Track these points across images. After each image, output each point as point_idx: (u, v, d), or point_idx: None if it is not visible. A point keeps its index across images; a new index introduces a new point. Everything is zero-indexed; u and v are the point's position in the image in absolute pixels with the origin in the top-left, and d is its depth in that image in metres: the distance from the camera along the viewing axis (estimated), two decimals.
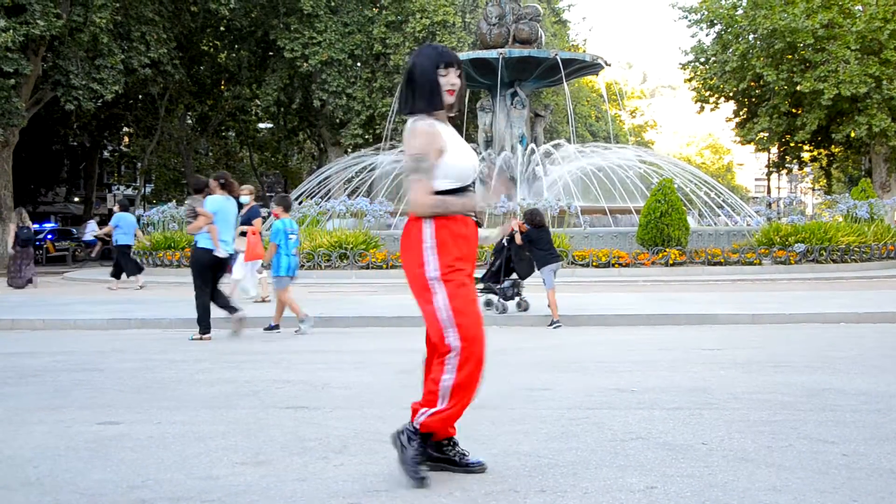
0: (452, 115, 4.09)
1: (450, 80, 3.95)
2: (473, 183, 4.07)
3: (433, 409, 3.94)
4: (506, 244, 11.70)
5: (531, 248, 11.39)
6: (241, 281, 13.74)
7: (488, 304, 11.69)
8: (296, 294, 12.31)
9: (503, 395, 6.09)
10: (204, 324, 9.99)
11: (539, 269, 11.31)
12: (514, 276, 11.77)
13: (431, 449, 4.07)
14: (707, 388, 6.31)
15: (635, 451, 4.48)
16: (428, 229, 3.93)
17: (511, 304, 11.76)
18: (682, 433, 4.88)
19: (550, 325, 10.89)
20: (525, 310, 11.72)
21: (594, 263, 20.51)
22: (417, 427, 3.95)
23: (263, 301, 14.01)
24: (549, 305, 10.92)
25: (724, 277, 19.72)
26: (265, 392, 6.38)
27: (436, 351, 4.00)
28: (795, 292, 15.44)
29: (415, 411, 4.00)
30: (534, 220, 11.42)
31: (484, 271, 11.87)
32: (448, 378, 3.92)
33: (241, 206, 12.94)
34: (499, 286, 11.75)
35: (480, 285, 11.47)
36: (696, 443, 4.65)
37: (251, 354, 8.62)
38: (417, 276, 3.95)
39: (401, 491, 3.86)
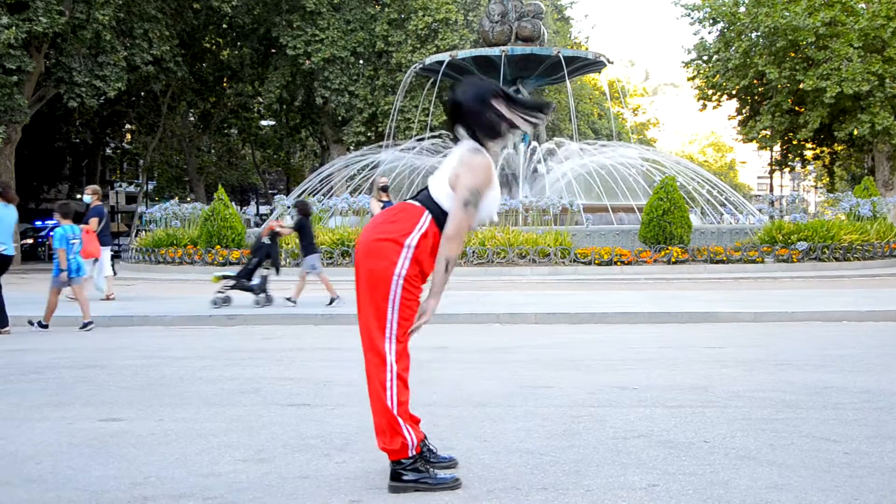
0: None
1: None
2: None
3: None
4: (266, 242, 12.83)
5: (299, 237, 12.99)
6: (95, 279, 14.34)
7: (225, 300, 12.34)
8: (294, 290, 12.38)
9: (505, 392, 6.09)
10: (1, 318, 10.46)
11: (306, 256, 12.74)
12: (265, 272, 12.80)
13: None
14: (709, 386, 6.31)
15: (637, 449, 4.49)
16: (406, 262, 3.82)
17: (262, 298, 12.58)
18: (683, 431, 4.88)
19: (330, 303, 12.14)
20: (270, 303, 12.55)
21: (596, 261, 20.51)
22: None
23: (108, 299, 14.15)
24: (326, 286, 12.40)
25: (727, 275, 19.72)
26: (267, 389, 6.38)
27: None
28: (798, 290, 15.43)
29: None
30: (304, 210, 13.05)
31: (239, 269, 13.02)
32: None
33: (87, 206, 14.32)
34: (250, 283, 12.61)
35: (232, 282, 12.55)
36: (697, 441, 4.66)
37: (253, 352, 8.60)
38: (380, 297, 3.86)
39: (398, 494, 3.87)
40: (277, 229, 13.10)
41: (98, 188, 14.85)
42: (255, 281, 12.60)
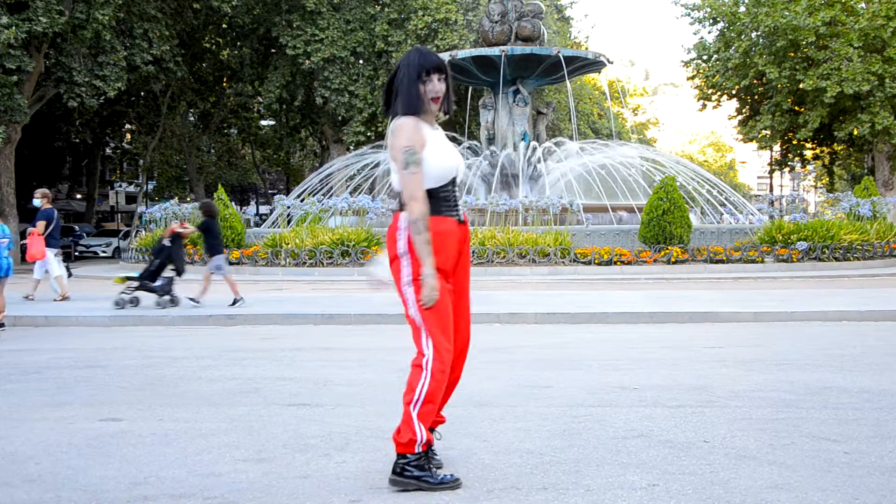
0: (443, 118, 4.12)
1: (433, 87, 3.96)
2: (454, 182, 4.05)
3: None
4: (167, 244, 13.00)
5: (204, 238, 13.19)
6: (51, 280, 14.45)
7: (133, 301, 12.57)
8: (299, 290, 12.38)
9: (505, 392, 6.10)
10: None
11: (212, 257, 12.92)
12: (171, 273, 12.96)
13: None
14: (709, 385, 6.32)
15: (637, 449, 4.49)
16: (404, 232, 3.92)
17: (166, 300, 12.71)
18: (683, 431, 4.89)
19: (234, 303, 12.30)
20: (176, 305, 12.65)
21: (596, 261, 20.52)
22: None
23: (64, 299, 14.16)
24: (231, 286, 12.59)
25: (727, 275, 19.73)
26: (267, 389, 6.39)
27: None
28: (797, 290, 15.43)
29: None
30: (209, 212, 13.35)
31: (141, 271, 13.11)
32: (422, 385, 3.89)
33: (36, 208, 14.33)
34: (155, 284, 12.74)
35: (136, 283, 12.73)
36: (697, 440, 4.67)
37: (253, 352, 8.61)
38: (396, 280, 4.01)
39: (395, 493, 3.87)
40: (179, 230, 13.28)
41: (47, 192, 14.89)
42: (159, 282, 12.76)
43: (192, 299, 12.59)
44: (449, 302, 3.93)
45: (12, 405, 5.95)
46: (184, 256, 13.50)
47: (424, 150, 3.88)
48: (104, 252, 40.88)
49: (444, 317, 3.90)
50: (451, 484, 3.86)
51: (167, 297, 12.61)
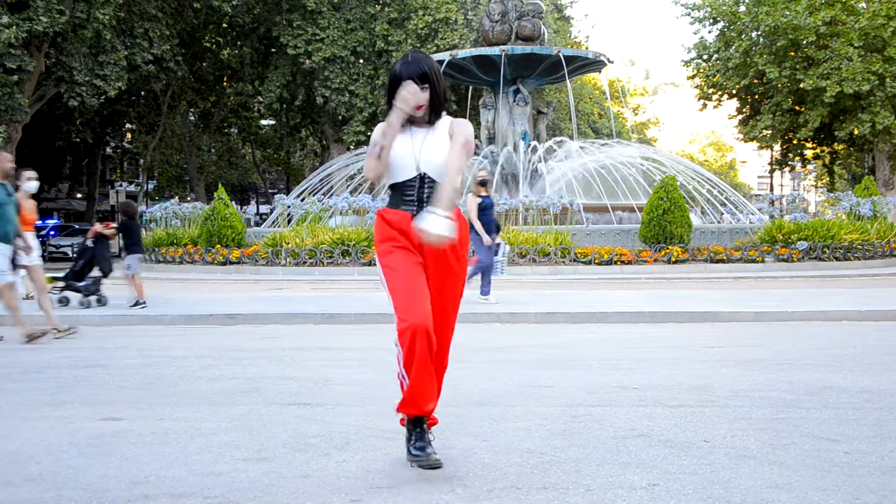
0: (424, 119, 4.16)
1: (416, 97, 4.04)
2: (420, 180, 4.10)
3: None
4: (90, 245, 13.21)
5: (122, 237, 13.36)
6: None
7: (62, 301, 12.85)
8: (300, 290, 12.36)
9: (505, 391, 6.10)
10: None
11: (128, 256, 13.01)
12: (97, 273, 13.12)
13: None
14: (709, 385, 6.32)
15: (637, 449, 4.49)
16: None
17: (92, 299, 12.87)
18: (684, 431, 4.89)
19: (135, 304, 12.41)
20: (104, 304, 12.81)
21: (596, 261, 20.53)
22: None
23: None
24: (136, 288, 12.66)
25: (727, 275, 19.74)
26: (267, 389, 6.38)
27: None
28: (798, 290, 15.44)
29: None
30: (129, 212, 13.58)
31: (67, 272, 13.29)
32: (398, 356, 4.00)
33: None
34: (80, 283, 12.92)
35: (62, 284, 13.03)
36: (698, 440, 4.66)
37: (253, 351, 8.62)
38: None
39: (403, 487, 3.88)
40: (103, 232, 13.37)
41: None
42: (85, 283, 12.93)
43: (137, 303, 12.61)
44: (410, 275, 4.02)
45: (13, 404, 5.95)
46: (109, 257, 13.56)
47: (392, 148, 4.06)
48: (76, 252, 40.67)
49: (400, 290, 3.99)
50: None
51: (93, 297, 12.78)
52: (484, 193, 12.22)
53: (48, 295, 10.46)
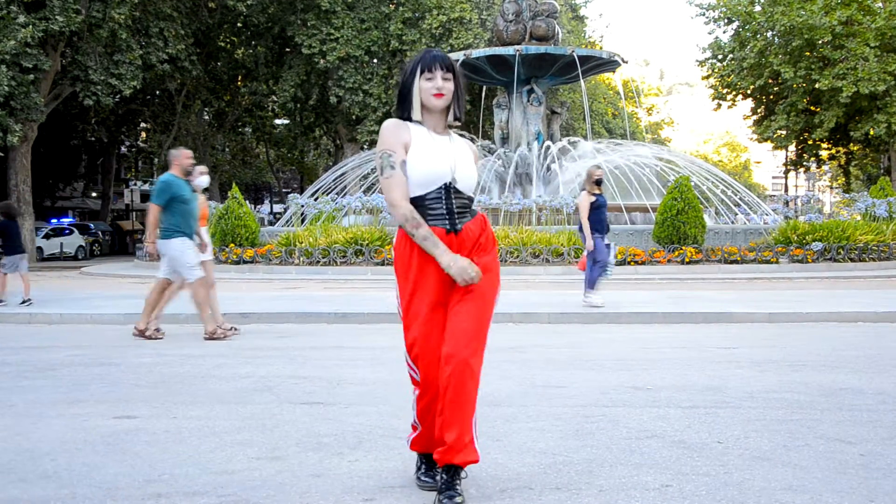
0: (455, 123, 3.91)
1: (434, 83, 3.76)
2: (446, 190, 3.78)
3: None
4: None
5: (2, 238, 13.58)
6: None
7: None
8: (313, 289, 12.36)
9: (519, 392, 6.10)
10: None
11: (10, 256, 13.45)
12: None
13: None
14: (723, 386, 6.30)
15: (650, 450, 4.49)
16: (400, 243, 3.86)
17: None
18: (697, 432, 4.89)
19: (22, 303, 12.72)
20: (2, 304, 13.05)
21: None
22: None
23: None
24: (24, 285, 13.16)
25: (741, 276, 19.66)
26: (281, 388, 6.40)
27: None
28: (812, 291, 15.37)
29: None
30: (8, 213, 13.82)
31: None
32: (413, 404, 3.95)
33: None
34: None
35: None
36: (711, 441, 4.66)
37: (267, 350, 8.64)
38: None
39: (416, 487, 3.91)
40: None
41: None
42: None
43: (23, 301, 12.85)
44: (432, 332, 3.75)
45: (28, 402, 5.98)
46: None
47: (409, 152, 3.76)
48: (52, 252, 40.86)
49: (411, 319, 3.78)
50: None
51: None
52: (597, 192, 11.81)
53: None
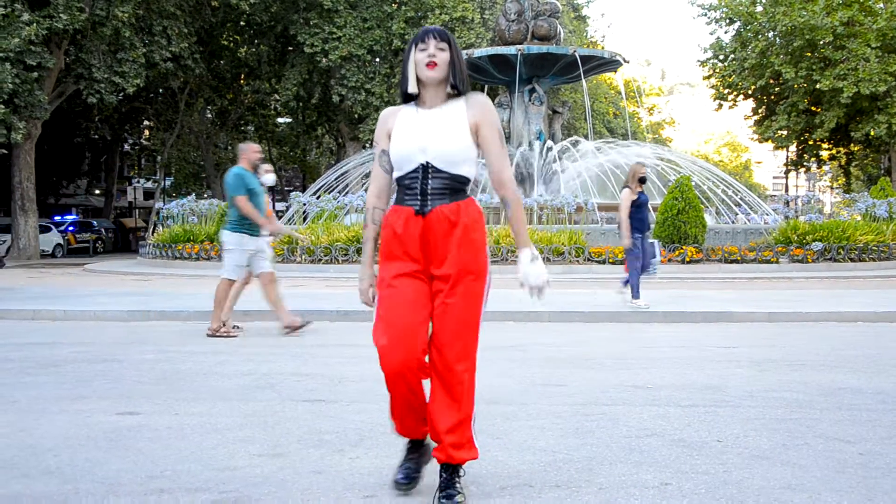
0: (455, 91, 3.72)
1: (428, 52, 3.62)
2: (423, 170, 3.65)
3: None
4: None
5: None
6: None
7: None
8: (315, 287, 12.38)
9: (519, 390, 6.12)
10: None
11: None
12: None
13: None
14: (722, 385, 6.33)
15: (650, 448, 4.51)
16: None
17: None
18: (696, 430, 4.91)
19: None
20: None
21: (610, 260, 20.51)
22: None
23: None
24: None
25: (741, 275, 19.67)
26: (282, 385, 6.43)
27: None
28: (812, 291, 15.39)
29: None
30: None
31: None
32: None
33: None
34: None
35: None
36: (710, 440, 4.68)
37: (269, 348, 8.67)
38: None
39: (418, 484, 3.90)
40: None
41: None
42: None
43: None
44: (396, 301, 3.67)
45: (31, 398, 6.00)
46: None
47: (391, 139, 3.70)
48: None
49: (384, 316, 3.67)
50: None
51: None
52: (639, 189, 11.43)
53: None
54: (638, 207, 11.33)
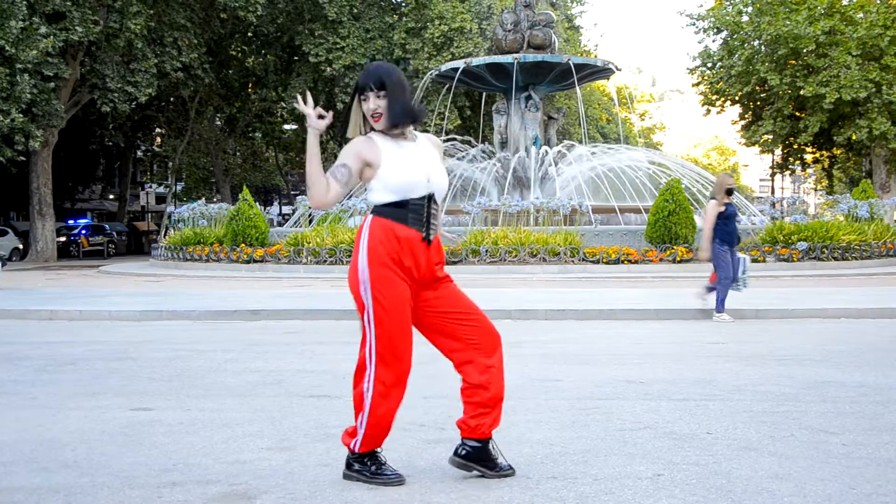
0: (416, 126, 3.97)
1: (368, 106, 3.83)
2: (428, 200, 3.87)
3: None
4: None
5: None
6: None
7: None
8: (320, 287, 12.42)
9: (516, 385, 6.11)
10: None
11: None
12: None
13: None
14: (712, 380, 6.41)
15: (643, 440, 4.59)
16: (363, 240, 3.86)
17: None
18: (688, 423, 4.98)
19: None
20: None
21: (604, 260, 20.66)
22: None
23: None
24: None
25: None
26: (290, 381, 6.50)
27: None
28: (798, 288, 15.50)
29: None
30: None
31: None
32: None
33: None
34: None
35: None
36: (701, 432, 4.75)
37: (277, 345, 8.72)
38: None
39: (419, 476, 3.98)
40: None
41: None
42: None
43: None
44: (404, 318, 3.83)
45: (49, 394, 6.09)
46: None
47: (380, 168, 3.80)
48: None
49: (391, 334, 3.82)
50: (392, 481, 3.91)
51: None
52: (727, 201, 10.90)
53: None
54: (726, 219, 10.78)
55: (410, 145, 3.90)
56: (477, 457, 3.95)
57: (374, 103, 3.80)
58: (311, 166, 3.78)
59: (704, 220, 10.91)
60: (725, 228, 10.76)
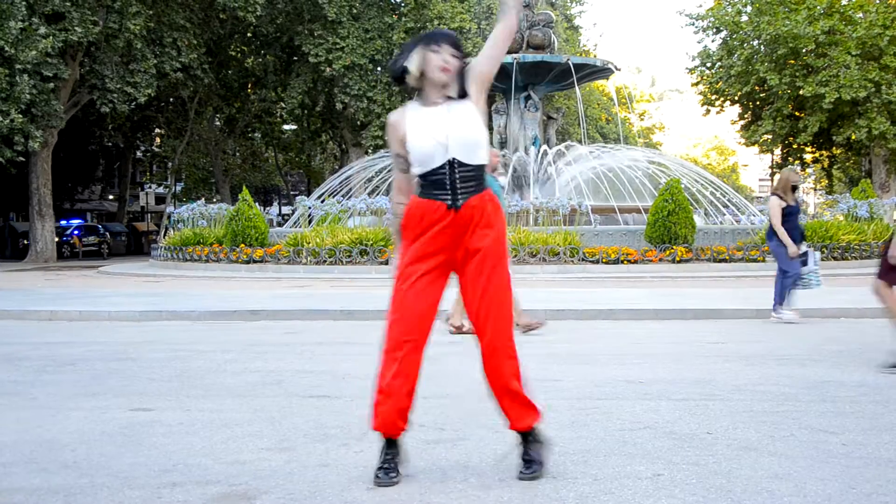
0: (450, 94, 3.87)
1: (443, 56, 3.76)
2: (450, 166, 3.79)
3: None
4: None
5: None
6: None
7: None
8: (320, 287, 12.43)
9: None
10: None
11: None
12: None
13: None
14: (712, 379, 6.41)
15: (643, 440, 4.58)
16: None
17: None
18: (687, 423, 4.97)
19: None
20: None
21: (604, 260, 20.67)
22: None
23: None
24: None
25: (729, 274, 19.79)
26: (289, 381, 6.50)
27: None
28: (797, 288, 15.49)
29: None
30: None
31: None
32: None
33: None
34: None
35: None
36: (701, 432, 4.74)
37: (276, 346, 8.72)
38: None
39: (419, 476, 3.98)
40: None
41: None
42: None
43: None
44: (412, 291, 3.84)
45: (49, 395, 6.09)
46: None
47: (406, 137, 3.80)
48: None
49: (397, 304, 3.86)
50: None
51: None
52: (793, 202, 10.70)
53: None
54: (789, 216, 10.56)
55: (438, 110, 3.83)
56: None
57: (448, 56, 3.76)
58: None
59: (770, 217, 10.67)
60: (789, 225, 10.57)
